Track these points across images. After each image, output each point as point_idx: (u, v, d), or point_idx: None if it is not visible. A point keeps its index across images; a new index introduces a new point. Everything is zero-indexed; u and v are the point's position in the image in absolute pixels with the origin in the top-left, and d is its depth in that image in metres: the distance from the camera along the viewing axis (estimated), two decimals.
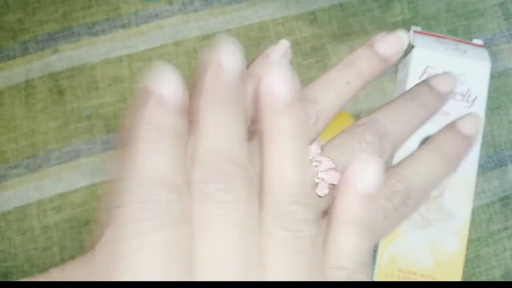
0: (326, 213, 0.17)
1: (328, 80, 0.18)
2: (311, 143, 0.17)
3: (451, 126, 0.19)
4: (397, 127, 0.18)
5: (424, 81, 0.19)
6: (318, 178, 0.16)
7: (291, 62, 0.37)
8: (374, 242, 0.18)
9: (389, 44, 0.18)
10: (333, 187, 0.16)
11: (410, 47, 0.32)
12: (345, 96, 0.18)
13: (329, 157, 0.17)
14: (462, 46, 0.32)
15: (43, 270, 0.32)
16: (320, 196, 0.16)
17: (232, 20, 0.36)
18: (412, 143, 0.30)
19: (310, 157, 0.17)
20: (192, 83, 0.16)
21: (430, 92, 0.19)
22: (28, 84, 0.36)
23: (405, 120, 0.18)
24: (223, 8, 0.37)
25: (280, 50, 0.20)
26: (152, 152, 0.15)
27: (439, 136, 0.19)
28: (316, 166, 0.16)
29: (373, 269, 0.29)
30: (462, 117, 0.19)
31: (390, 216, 0.17)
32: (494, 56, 0.35)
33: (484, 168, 0.34)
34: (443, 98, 0.19)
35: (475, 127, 0.19)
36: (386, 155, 0.17)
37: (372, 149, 0.17)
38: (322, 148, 0.17)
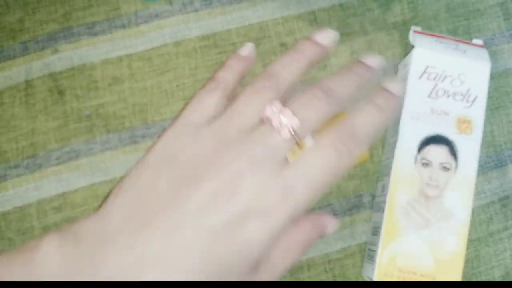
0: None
1: (286, 60, 0.24)
2: (272, 101, 0.23)
3: (382, 88, 0.25)
4: (339, 87, 0.24)
5: (359, 61, 0.26)
6: (279, 123, 0.22)
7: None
8: (334, 178, 0.22)
9: (324, 35, 0.26)
10: (293, 131, 0.22)
11: (410, 47, 0.32)
12: (298, 70, 0.24)
13: (290, 109, 0.22)
14: (462, 46, 0.32)
15: None
16: (283, 136, 0.22)
17: (232, 20, 0.36)
18: (412, 145, 0.30)
19: (276, 110, 0.22)
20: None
21: (361, 65, 0.25)
22: (28, 84, 0.36)
23: (344, 85, 0.24)
24: (223, 8, 0.37)
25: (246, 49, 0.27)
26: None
27: (375, 95, 0.24)
28: (279, 114, 0.22)
29: (373, 269, 0.30)
30: (388, 81, 0.25)
31: (342, 156, 0.22)
32: (494, 56, 0.35)
33: (484, 168, 0.34)
34: (372, 70, 0.25)
35: (400, 88, 0.25)
36: (332, 107, 0.23)
37: (323, 101, 0.23)
38: (283, 102, 0.23)
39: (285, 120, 0.22)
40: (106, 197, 0.22)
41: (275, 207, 0.21)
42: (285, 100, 0.23)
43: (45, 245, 0.20)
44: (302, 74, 0.24)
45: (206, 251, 0.20)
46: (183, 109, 0.24)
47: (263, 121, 0.22)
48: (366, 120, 0.23)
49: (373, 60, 0.25)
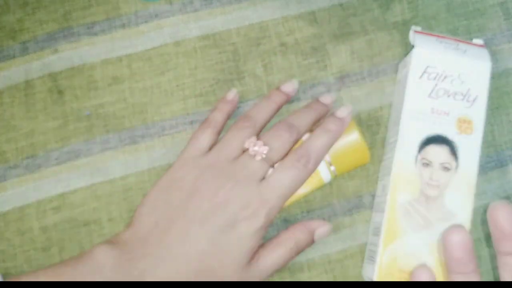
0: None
1: (260, 105, 0.32)
2: (250, 137, 0.31)
3: (332, 114, 0.32)
4: (299, 121, 0.31)
5: (317, 99, 0.34)
6: (254, 151, 0.30)
7: (291, 62, 0.37)
8: (297, 187, 0.30)
9: (288, 85, 0.34)
10: (265, 156, 0.30)
11: (411, 47, 0.32)
12: (270, 112, 0.32)
13: (262, 140, 0.30)
14: (462, 46, 0.32)
15: None
16: (257, 160, 0.30)
17: (232, 20, 0.36)
18: (412, 145, 0.30)
19: (251, 140, 0.30)
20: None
21: (318, 102, 0.33)
22: (28, 84, 0.36)
23: (303, 119, 0.32)
24: (223, 8, 0.37)
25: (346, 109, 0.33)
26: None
27: (325, 120, 0.32)
28: (254, 145, 0.30)
29: (373, 269, 0.29)
30: (338, 108, 0.32)
31: (301, 171, 0.30)
32: (494, 56, 0.35)
33: (484, 168, 0.34)
34: (326, 106, 0.33)
35: (346, 112, 0.32)
36: (294, 137, 0.31)
37: (286, 133, 0.30)
38: (258, 136, 0.31)
39: (258, 149, 0.30)
40: (134, 211, 0.30)
41: (256, 212, 0.28)
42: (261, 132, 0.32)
43: (99, 250, 0.27)
44: (273, 114, 0.32)
45: (211, 247, 0.28)
46: (186, 145, 0.32)
47: (244, 151, 0.30)
48: (317, 142, 0.30)
49: (328, 98, 0.33)
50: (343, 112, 0.32)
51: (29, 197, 0.34)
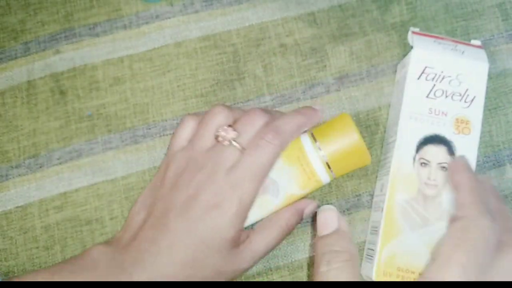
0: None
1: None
2: (222, 124, 0.30)
3: (308, 105, 0.34)
4: (274, 111, 0.32)
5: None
6: (222, 136, 0.30)
7: (291, 63, 0.37)
8: (268, 166, 0.30)
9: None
10: (234, 142, 0.30)
11: (409, 47, 0.32)
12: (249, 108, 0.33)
13: (233, 128, 0.30)
14: (460, 46, 0.32)
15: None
16: (227, 148, 0.30)
17: (232, 21, 0.37)
18: (410, 145, 0.30)
19: (221, 128, 0.30)
20: None
21: (309, 108, 0.33)
22: (30, 84, 0.36)
23: (280, 110, 0.33)
24: (223, 9, 0.37)
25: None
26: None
27: (300, 107, 0.33)
28: (222, 131, 0.30)
29: (372, 268, 0.30)
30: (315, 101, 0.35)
31: (268, 149, 0.29)
32: (492, 57, 0.36)
33: (482, 168, 0.34)
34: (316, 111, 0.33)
35: (318, 106, 0.33)
36: (267, 117, 0.31)
37: (259, 116, 0.30)
38: (230, 124, 0.31)
39: (225, 134, 0.30)
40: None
41: (227, 199, 0.29)
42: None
43: (95, 249, 0.29)
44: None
45: (192, 238, 0.28)
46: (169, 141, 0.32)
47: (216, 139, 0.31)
48: (286, 120, 0.31)
49: (317, 107, 0.34)
50: (318, 105, 0.34)
51: (31, 196, 0.34)
